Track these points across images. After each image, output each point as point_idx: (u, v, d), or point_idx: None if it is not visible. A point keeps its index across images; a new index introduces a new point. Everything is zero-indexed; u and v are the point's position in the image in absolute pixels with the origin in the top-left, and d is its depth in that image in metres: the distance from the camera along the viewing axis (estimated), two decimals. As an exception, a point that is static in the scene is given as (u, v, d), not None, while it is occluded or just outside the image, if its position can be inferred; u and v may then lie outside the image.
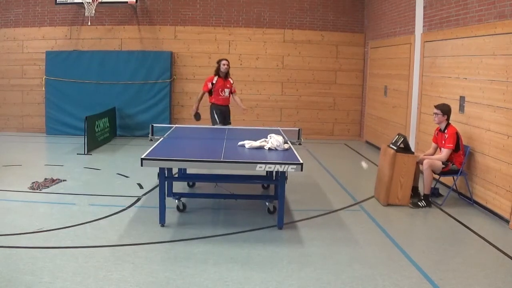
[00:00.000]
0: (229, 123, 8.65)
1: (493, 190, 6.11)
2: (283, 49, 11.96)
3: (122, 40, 11.83)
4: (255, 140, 5.83)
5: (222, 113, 8.51)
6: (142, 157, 5.03)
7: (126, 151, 9.90)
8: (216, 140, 6.33)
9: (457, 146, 6.42)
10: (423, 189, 6.50)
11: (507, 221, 5.75)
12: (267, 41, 11.92)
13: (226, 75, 8.52)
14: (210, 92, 8.50)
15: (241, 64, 11.93)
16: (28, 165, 8.24)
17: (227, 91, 8.54)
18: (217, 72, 8.50)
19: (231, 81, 8.67)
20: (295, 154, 5.44)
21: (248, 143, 5.77)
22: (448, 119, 6.52)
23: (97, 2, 10.90)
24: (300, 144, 6.52)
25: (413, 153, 6.57)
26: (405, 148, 6.45)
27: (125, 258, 4.49)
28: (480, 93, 6.47)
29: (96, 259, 4.41)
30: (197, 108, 8.66)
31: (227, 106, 8.69)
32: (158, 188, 5.61)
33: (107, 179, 7.50)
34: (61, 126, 11.60)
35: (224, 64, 8.44)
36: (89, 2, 10.83)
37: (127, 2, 11.27)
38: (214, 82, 8.43)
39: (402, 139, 6.46)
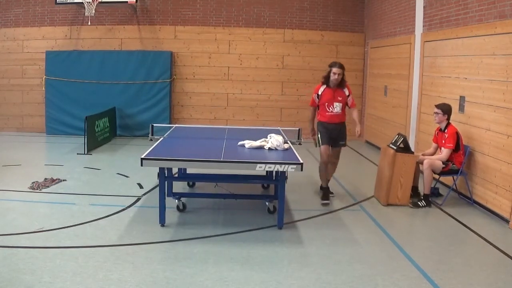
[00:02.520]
0: (342, 145, 6.65)
1: (493, 190, 6.11)
2: (283, 49, 11.96)
3: (122, 40, 11.83)
4: (255, 140, 5.83)
5: (329, 133, 6.47)
6: (142, 157, 5.04)
7: (126, 151, 9.90)
8: (216, 140, 6.33)
9: (457, 146, 6.42)
10: (423, 189, 6.50)
11: (507, 221, 5.75)
12: (267, 41, 11.92)
13: (339, 84, 6.44)
14: (317, 107, 6.62)
15: (241, 64, 11.93)
16: (28, 165, 8.24)
17: (338, 105, 6.43)
18: (326, 80, 6.45)
19: (346, 92, 6.47)
20: (295, 154, 5.45)
21: (248, 143, 5.77)
22: (448, 119, 6.53)
23: (97, 2, 10.89)
24: (300, 144, 6.52)
25: (413, 153, 6.58)
26: (405, 148, 6.45)
27: (125, 258, 4.49)
28: (480, 93, 6.47)
29: (96, 259, 4.41)
30: (313, 130, 6.73)
31: (337, 125, 6.52)
32: (158, 188, 5.61)
33: (107, 179, 7.50)
34: (61, 126, 11.60)
35: (334, 73, 6.32)
36: (89, 2, 10.83)
37: (127, 2, 11.27)
38: (319, 93, 6.46)
39: (402, 139, 6.46)
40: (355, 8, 12.01)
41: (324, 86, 6.46)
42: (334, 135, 6.52)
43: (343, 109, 6.49)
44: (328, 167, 6.63)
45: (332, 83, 6.39)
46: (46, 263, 4.28)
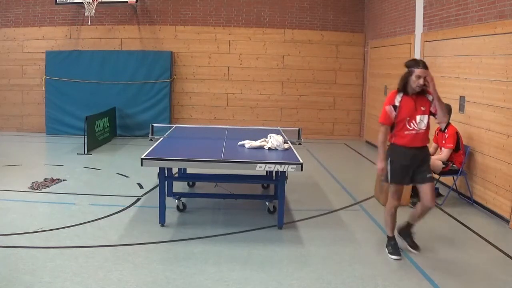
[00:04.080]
0: (430, 179, 4.53)
1: (493, 190, 6.11)
2: (283, 49, 11.96)
3: (122, 40, 11.83)
4: (255, 140, 5.83)
5: (406, 163, 4.53)
6: (142, 157, 5.04)
7: (126, 151, 9.90)
8: (216, 140, 6.33)
9: (457, 146, 6.42)
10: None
11: (507, 221, 5.75)
12: (267, 41, 11.92)
13: (422, 91, 4.50)
14: (391, 126, 4.62)
15: (241, 64, 11.94)
16: (28, 165, 8.24)
17: (422, 120, 4.49)
18: (404, 86, 4.54)
19: (429, 97, 4.52)
20: (295, 154, 5.44)
21: (248, 143, 5.77)
22: (448, 119, 6.52)
23: (97, 1, 10.90)
24: (300, 144, 6.52)
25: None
26: (405, 148, 6.45)
27: (125, 258, 4.49)
28: (480, 93, 6.47)
29: (96, 259, 4.41)
30: (383, 163, 4.62)
31: (420, 150, 4.56)
32: (158, 188, 5.61)
33: (107, 179, 7.50)
34: (61, 126, 11.60)
35: (418, 76, 4.40)
36: (89, 2, 10.83)
37: (127, 2, 11.27)
38: (397, 103, 4.52)
39: (402, 139, 6.45)
40: (355, 8, 12.01)
41: (401, 94, 4.54)
42: (415, 164, 4.53)
43: (428, 125, 4.53)
44: (416, 211, 4.71)
45: (413, 90, 4.48)
46: (46, 263, 4.28)
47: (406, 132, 4.50)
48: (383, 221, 4.96)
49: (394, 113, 4.52)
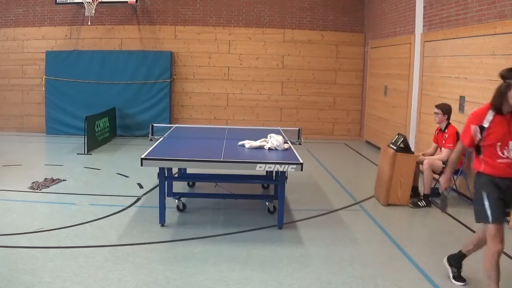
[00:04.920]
0: (509, 213, 4.02)
1: (493, 190, 6.10)
2: (283, 49, 11.96)
3: (122, 40, 11.83)
4: (255, 140, 5.83)
5: (503, 196, 3.69)
6: (142, 157, 5.04)
7: (126, 151, 9.90)
8: (216, 140, 6.33)
9: (457, 146, 6.40)
10: (423, 189, 6.50)
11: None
12: (267, 41, 11.92)
13: None
14: (477, 149, 3.80)
15: (241, 64, 11.94)
16: (28, 165, 8.24)
17: None
18: (500, 101, 3.62)
19: None
20: (295, 154, 5.45)
21: (248, 143, 5.77)
22: (448, 119, 6.52)
23: (97, 1, 10.90)
24: (300, 144, 6.52)
25: (413, 153, 6.57)
26: (405, 148, 6.45)
27: (125, 258, 4.49)
28: (480, 93, 6.47)
29: (96, 259, 4.41)
30: (449, 181, 4.32)
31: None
32: (158, 188, 5.61)
33: (107, 179, 7.50)
34: (61, 126, 11.60)
35: None
36: (89, 2, 10.83)
37: (127, 2, 11.27)
38: (485, 125, 3.63)
39: (402, 139, 6.46)
40: (355, 8, 12.01)
41: (493, 113, 3.64)
42: (509, 197, 3.72)
43: None
44: (472, 242, 4.12)
45: (509, 107, 3.60)
46: (46, 263, 4.28)
47: (499, 161, 3.65)
48: (485, 272, 3.77)
49: (479, 136, 3.66)
